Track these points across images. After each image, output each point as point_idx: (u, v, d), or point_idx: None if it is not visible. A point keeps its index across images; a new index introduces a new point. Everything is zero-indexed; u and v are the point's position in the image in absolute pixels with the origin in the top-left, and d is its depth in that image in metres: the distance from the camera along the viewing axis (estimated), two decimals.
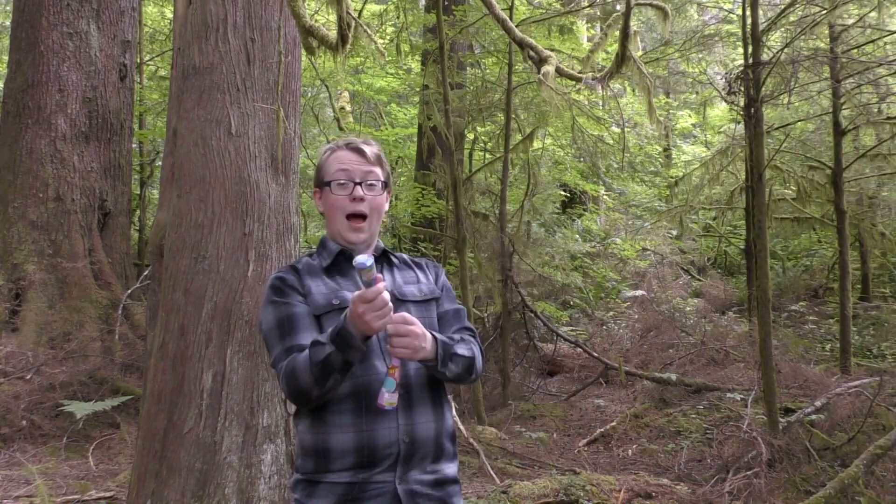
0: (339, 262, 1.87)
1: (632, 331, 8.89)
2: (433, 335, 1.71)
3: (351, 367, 1.65)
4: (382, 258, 1.93)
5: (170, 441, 3.43)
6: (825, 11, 5.86)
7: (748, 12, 5.91)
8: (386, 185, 1.91)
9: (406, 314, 1.67)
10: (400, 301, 1.81)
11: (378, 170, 1.88)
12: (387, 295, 1.58)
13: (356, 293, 1.59)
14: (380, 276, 1.61)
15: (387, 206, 1.95)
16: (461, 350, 1.78)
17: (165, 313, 3.61)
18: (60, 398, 5.41)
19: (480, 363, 1.86)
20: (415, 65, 11.42)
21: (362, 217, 1.84)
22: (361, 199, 1.83)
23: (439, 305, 1.92)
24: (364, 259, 1.57)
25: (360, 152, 1.87)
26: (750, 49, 5.62)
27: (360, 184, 1.84)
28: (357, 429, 1.71)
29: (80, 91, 7.10)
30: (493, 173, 9.57)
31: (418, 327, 1.66)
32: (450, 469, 1.81)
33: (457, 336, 1.85)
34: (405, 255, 2.03)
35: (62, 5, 7.05)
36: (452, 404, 1.89)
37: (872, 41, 7.17)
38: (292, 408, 3.67)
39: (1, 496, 4.19)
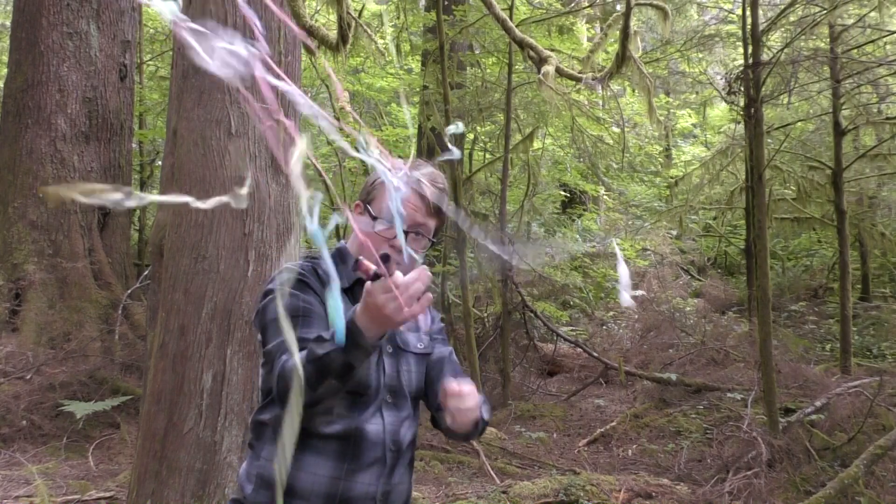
0: (356, 290, 1.65)
1: (632, 331, 8.89)
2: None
3: (352, 374, 1.43)
4: None
5: (170, 441, 3.42)
6: (825, 11, 5.86)
7: (748, 12, 5.91)
8: (434, 236, 1.71)
9: (459, 382, 1.54)
10: (401, 350, 1.68)
11: (432, 222, 1.68)
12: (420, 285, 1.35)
13: (377, 283, 1.34)
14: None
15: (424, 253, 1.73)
16: (485, 413, 1.66)
17: (165, 313, 3.61)
18: (60, 398, 5.41)
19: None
20: (415, 65, 11.42)
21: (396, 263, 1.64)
22: (399, 251, 1.56)
23: (434, 350, 1.78)
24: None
25: (423, 199, 1.65)
26: (750, 49, 5.62)
27: (406, 233, 1.63)
28: (334, 476, 1.56)
29: (80, 91, 7.10)
30: (493, 173, 9.58)
31: (473, 395, 1.55)
32: None
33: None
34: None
35: (62, 5, 7.05)
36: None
37: (872, 41, 7.17)
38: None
39: (1, 496, 4.19)
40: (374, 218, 1.65)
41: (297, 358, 1.39)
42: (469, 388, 1.55)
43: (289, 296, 1.59)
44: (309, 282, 1.63)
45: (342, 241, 1.80)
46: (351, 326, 1.38)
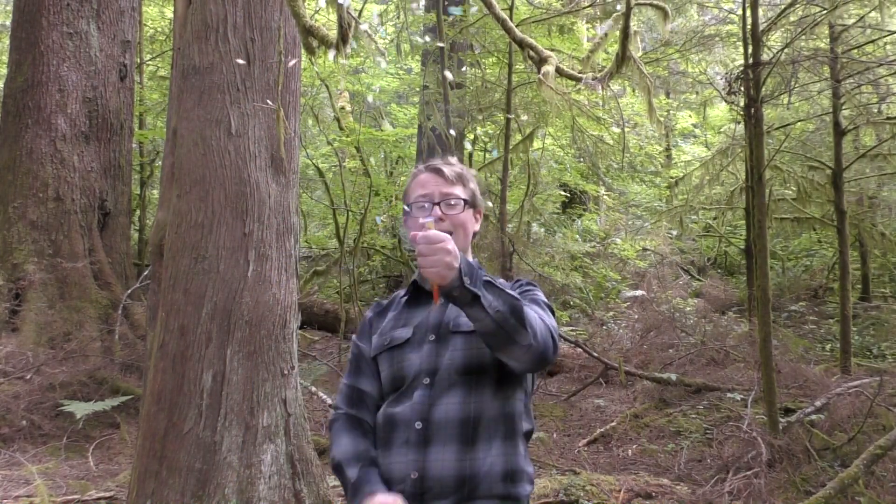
0: (414, 293, 1.88)
1: (632, 331, 8.88)
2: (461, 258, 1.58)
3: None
4: None
5: (170, 441, 3.42)
6: (825, 11, 5.86)
7: (748, 12, 5.91)
8: (470, 203, 1.86)
9: (436, 233, 1.54)
10: (451, 332, 1.76)
11: (459, 189, 1.84)
12: (433, 234, 1.51)
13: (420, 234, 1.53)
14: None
15: (476, 227, 1.89)
16: (502, 286, 1.60)
17: (165, 313, 3.61)
18: (60, 398, 5.40)
19: (540, 327, 1.64)
20: (415, 65, 11.42)
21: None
22: (441, 220, 1.78)
23: None
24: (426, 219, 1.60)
25: (439, 172, 1.85)
26: (750, 49, 5.62)
27: (438, 203, 1.80)
28: (382, 459, 1.74)
29: (80, 91, 7.10)
30: (493, 173, 9.58)
31: (448, 243, 1.51)
32: None
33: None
34: (501, 281, 1.82)
35: (62, 5, 7.05)
36: (520, 441, 1.71)
37: (872, 41, 7.17)
38: (293, 408, 3.68)
39: (1, 496, 4.18)
40: (408, 213, 1.85)
41: (343, 436, 1.80)
42: (430, 234, 1.53)
43: (354, 344, 1.92)
44: (365, 324, 1.93)
45: None
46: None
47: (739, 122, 9.34)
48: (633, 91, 11.54)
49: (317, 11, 8.90)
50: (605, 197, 14.36)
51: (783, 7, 6.30)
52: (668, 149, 15.19)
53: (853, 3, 6.71)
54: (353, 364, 1.89)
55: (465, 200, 1.84)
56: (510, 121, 7.50)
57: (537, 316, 1.67)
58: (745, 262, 9.90)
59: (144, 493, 3.40)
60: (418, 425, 1.68)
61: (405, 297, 1.90)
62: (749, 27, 5.65)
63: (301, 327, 7.85)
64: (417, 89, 10.00)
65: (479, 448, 1.68)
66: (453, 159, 1.92)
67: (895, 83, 8.36)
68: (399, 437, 1.70)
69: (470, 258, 1.79)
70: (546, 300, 1.83)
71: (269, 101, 3.75)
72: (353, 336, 1.93)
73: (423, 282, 1.85)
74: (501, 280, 1.80)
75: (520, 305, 1.59)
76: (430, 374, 1.72)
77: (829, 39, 6.83)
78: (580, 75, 4.64)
